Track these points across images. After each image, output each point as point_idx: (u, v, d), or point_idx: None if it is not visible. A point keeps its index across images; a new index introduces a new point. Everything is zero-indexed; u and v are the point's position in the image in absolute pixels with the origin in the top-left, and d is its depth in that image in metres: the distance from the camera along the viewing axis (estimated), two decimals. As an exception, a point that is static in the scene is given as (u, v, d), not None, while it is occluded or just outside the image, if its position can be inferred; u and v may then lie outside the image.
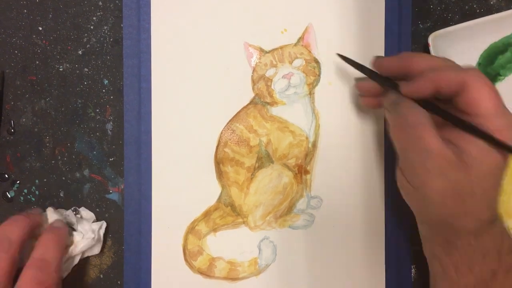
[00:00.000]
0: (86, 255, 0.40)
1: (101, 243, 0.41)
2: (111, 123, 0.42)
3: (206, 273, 0.40)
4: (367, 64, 0.36)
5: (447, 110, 0.31)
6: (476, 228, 0.31)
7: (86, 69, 0.42)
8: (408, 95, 0.32)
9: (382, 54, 0.41)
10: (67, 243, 0.38)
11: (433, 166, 0.30)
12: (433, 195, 0.30)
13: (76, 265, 0.39)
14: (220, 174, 0.40)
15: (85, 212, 0.41)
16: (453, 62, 0.32)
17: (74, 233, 0.39)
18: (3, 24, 0.42)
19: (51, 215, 0.39)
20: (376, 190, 0.41)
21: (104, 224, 0.41)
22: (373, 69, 0.36)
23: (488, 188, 0.30)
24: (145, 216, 0.40)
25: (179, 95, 0.40)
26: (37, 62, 0.42)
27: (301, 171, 0.41)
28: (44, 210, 0.39)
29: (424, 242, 0.35)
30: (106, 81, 0.42)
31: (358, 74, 0.41)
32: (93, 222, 0.41)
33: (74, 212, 0.41)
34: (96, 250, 0.40)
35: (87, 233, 0.39)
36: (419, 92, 0.31)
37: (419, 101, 0.32)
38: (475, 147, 0.30)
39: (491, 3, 0.42)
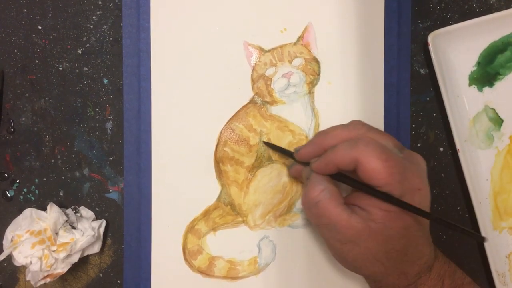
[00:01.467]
0: (86, 253, 0.40)
1: (101, 241, 0.41)
2: (111, 122, 0.42)
3: (206, 272, 0.40)
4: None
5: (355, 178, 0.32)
6: (407, 283, 0.32)
7: (85, 68, 0.42)
8: (316, 172, 0.33)
9: (382, 54, 0.41)
10: None
11: (343, 238, 0.31)
12: (353, 262, 0.32)
13: (75, 264, 0.39)
14: (219, 173, 0.40)
15: (84, 211, 0.41)
16: (357, 129, 0.32)
17: (74, 231, 0.39)
18: (3, 23, 0.42)
19: (52, 210, 0.39)
20: (375, 189, 0.41)
21: (104, 223, 0.41)
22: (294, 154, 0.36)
23: (402, 248, 0.31)
24: (144, 215, 0.40)
25: (179, 94, 0.40)
26: (37, 61, 0.42)
27: (301, 170, 0.41)
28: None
29: None
30: (105, 80, 0.42)
31: (358, 73, 0.41)
32: (92, 220, 0.41)
33: (74, 211, 0.41)
34: (96, 248, 0.40)
35: (86, 231, 0.39)
36: (323, 171, 0.32)
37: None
38: (381, 211, 0.30)
39: (491, 2, 0.42)
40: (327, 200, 0.31)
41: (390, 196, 0.30)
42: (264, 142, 0.40)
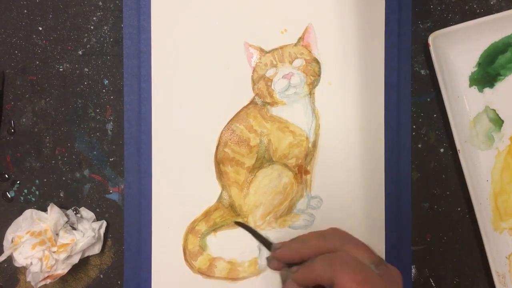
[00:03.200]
0: (86, 254, 0.40)
1: (102, 242, 0.41)
2: (111, 123, 0.42)
3: (206, 273, 0.40)
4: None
5: None
6: None
7: (86, 69, 0.42)
8: (295, 282, 0.33)
9: (382, 54, 0.41)
10: None
11: None
12: None
13: (76, 265, 0.39)
14: (220, 174, 0.40)
15: (85, 212, 0.41)
16: (334, 240, 0.32)
17: (75, 231, 0.39)
18: (3, 24, 0.42)
19: (53, 211, 0.39)
20: (376, 190, 0.41)
21: (104, 223, 0.41)
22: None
23: None
24: (145, 216, 0.40)
25: (179, 95, 0.40)
26: (37, 62, 0.42)
27: (301, 171, 0.41)
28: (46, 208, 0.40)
29: None
30: (106, 81, 0.42)
31: (358, 74, 0.41)
32: (93, 221, 0.41)
33: (74, 212, 0.41)
34: (97, 249, 0.40)
35: (87, 232, 0.39)
36: (301, 283, 0.32)
37: None
38: None
39: (491, 3, 0.42)
40: None
41: None
42: (236, 222, 0.39)
